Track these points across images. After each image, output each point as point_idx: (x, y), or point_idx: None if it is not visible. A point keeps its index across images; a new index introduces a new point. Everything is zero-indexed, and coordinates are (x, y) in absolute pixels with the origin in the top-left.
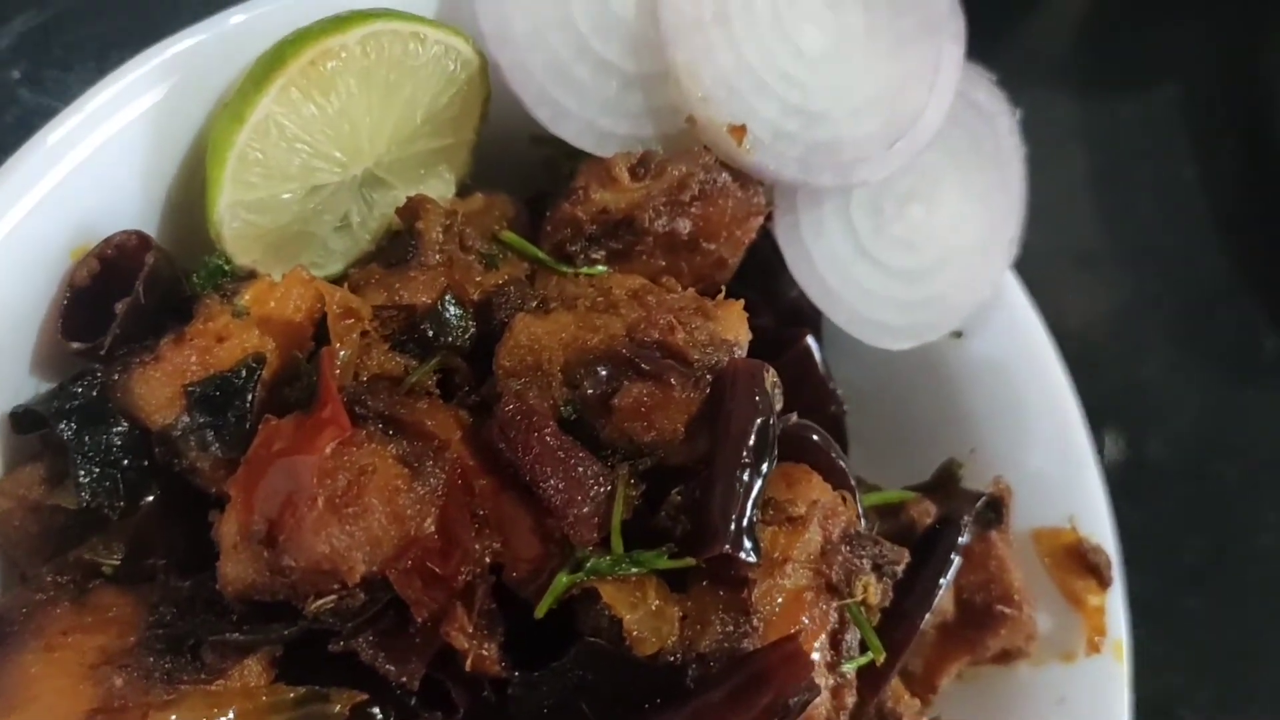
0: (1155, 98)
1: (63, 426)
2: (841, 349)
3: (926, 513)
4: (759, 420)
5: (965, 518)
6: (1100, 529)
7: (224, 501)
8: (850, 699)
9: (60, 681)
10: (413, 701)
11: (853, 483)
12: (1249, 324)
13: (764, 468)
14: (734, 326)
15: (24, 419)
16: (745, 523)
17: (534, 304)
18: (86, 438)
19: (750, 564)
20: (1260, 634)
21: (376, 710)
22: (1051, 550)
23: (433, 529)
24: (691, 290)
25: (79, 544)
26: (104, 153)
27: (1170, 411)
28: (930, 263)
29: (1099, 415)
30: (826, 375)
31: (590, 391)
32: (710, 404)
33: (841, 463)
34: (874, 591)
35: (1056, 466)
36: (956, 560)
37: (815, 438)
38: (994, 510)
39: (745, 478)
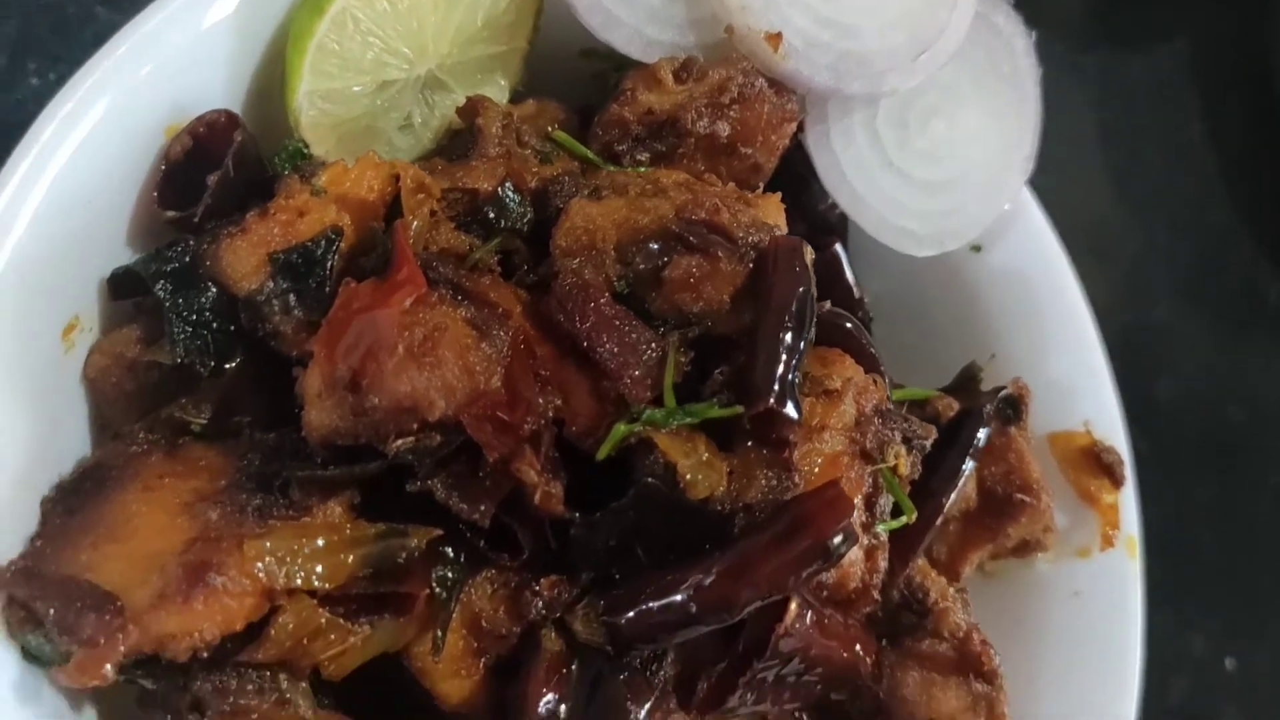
0: (1164, 54)
1: (159, 286)
2: (866, 263)
3: (950, 407)
4: (800, 289)
5: (987, 406)
6: (1113, 432)
7: (306, 360)
8: (883, 562)
9: (159, 517)
10: (481, 544)
11: (883, 368)
12: (1254, 275)
13: (805, 334)
14: (773, 215)
15: (123, 280)
16: (788, 382)
17: (587, 192)
18: (180, 299)
19: (792, 421)
20: (1271, 568)
21: (448, 550)
22: (1066, 453)
23: (499, 385)
24: (732, 184)
25: (168, 403)
26: (196, 40)
27: (1180, 355)
28: (951, 175)
29: (1108, 356)
30: (854, 283)
31: (642, 267)
32: (754, 279)
33: (872, 349)
34: (904, 463)
35: (1071, 373)
36: (980, 443)
37: (848, 325)
38: (1013, 407)
39: (788, 340)
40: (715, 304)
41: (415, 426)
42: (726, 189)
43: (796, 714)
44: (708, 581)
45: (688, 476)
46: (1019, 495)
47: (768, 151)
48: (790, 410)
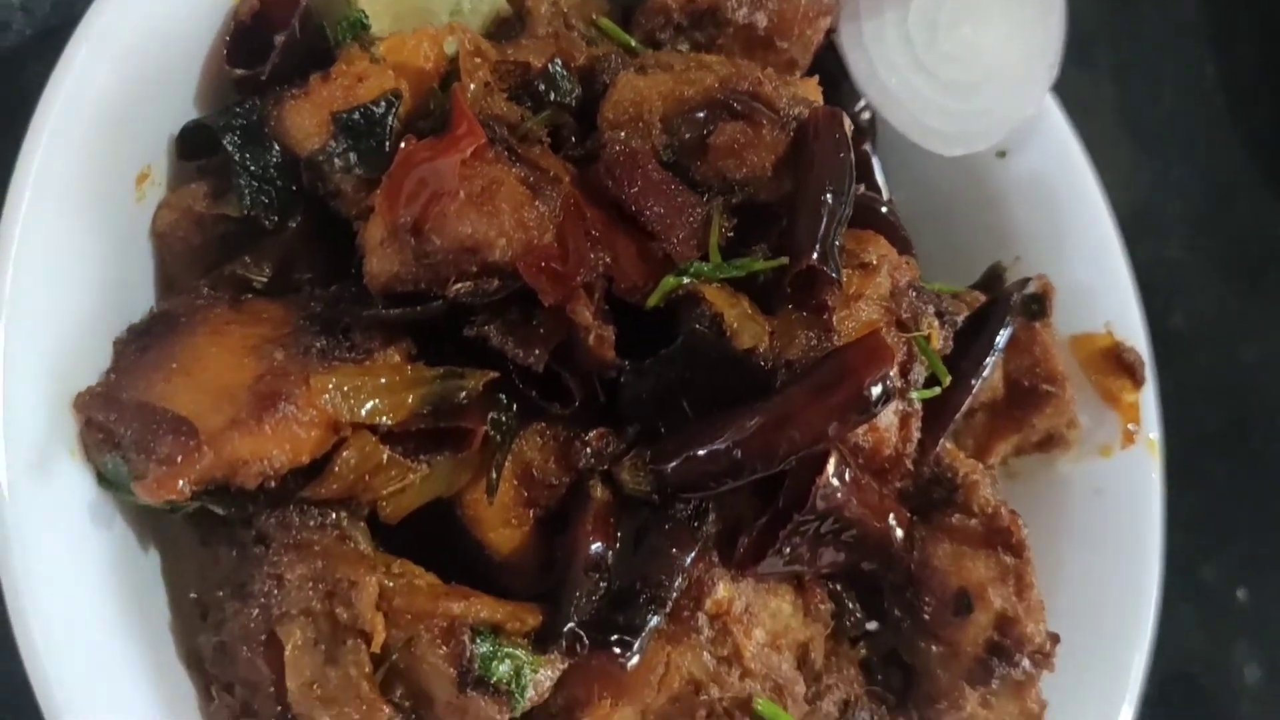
0: None
1: (228, 140)
2: (893, 168)
3: (977, 299)
4: (841, 154)
5: (1014, 295)
6: (1134, 334)
7: (366, 216)
8: (916, 431)
9: (228, 356)
10: (533, 394)
11: (914, 252)
12: (1265, 213)
13: (845, 198)
14: (812, 94)
15: (193, 134)
16: (829, 243)
17: (634, 68)
18: (248, 153)
19: (833, 280)
20: None
21: (502, 397)
22: (1088, 354)
23: (552, 240)
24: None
25: (232, 261)
26: None
27: (1192, 289)
28: (977, 78)
29: None
30: (883, 184)
31: (687, 136)
32: (795, 148)
33: (904, 233)
34: (936, 336)
35: (1094, 277)
36: (1008, 328)
37: (883, 209)
38: (1038, 303)
39: (829, 201)
40: (758, 170)
41: (474, 270)
42: (767, 70)
43: (831, 585)
44: (751, 429)
45: (735, 325)
46: (1044, 386)
47: (803, 47)
48: (831, 269)
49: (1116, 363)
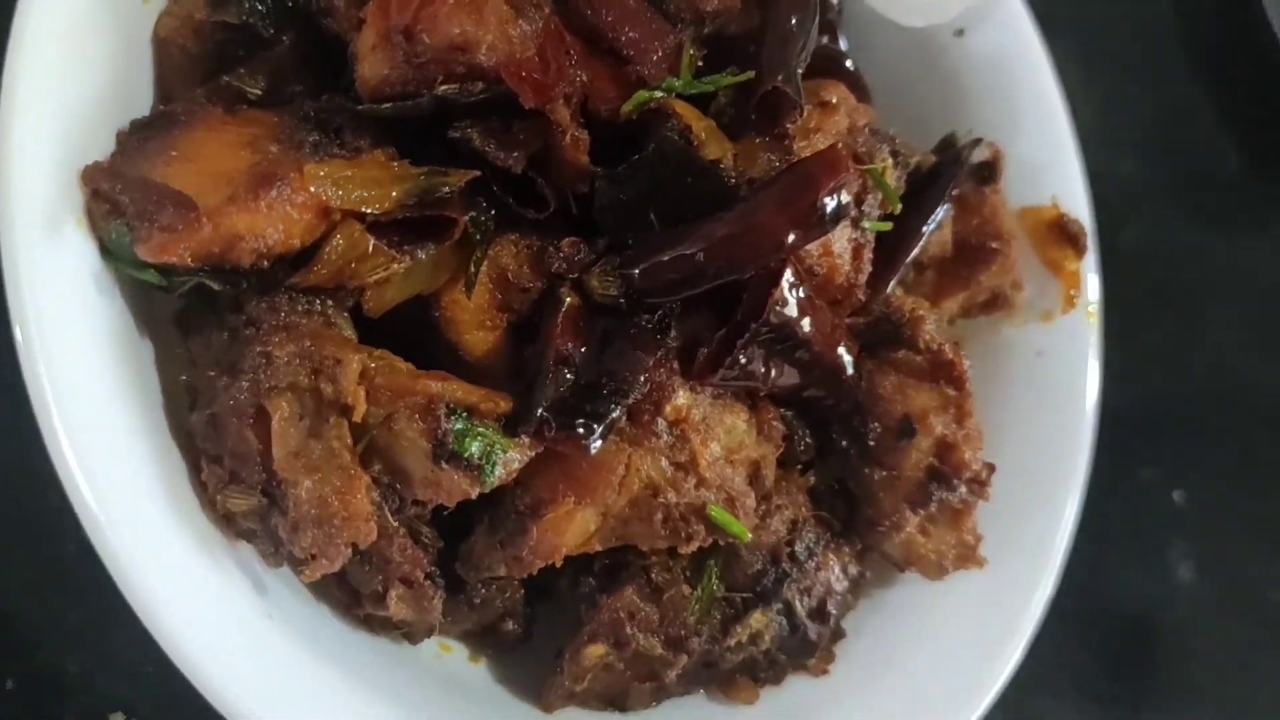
0: None
1: None
2: (859, 47)
3: (929, 159)
4: None
5: (965, 151)
6: (1078, 206)
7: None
8: (867, 262)
9: (225, 149)
10: (510, 201)
11: (871, 100)
12: (1211, 141)
13: (809, 26)
14: None
15: None
16: (792, 68)
17: None
18: None
19: (795, 103)
20: (1223, 408)
21: (481, 200)
22: (1034, 225)
23: (534, 55)
24: None
25: (228, 73)
26: None
27: (1142, 210)
28: None
29: None
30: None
31: None
32: None
33: (864, 82)
34: (890, 172)
35: (1042, 152)
36: (958, 181)
37: (846, 61)
38: (988, 169)
39: (794, 28)
40: (729, 2)
41: (461, 71)
42: None
43: (784, 411)
44: (717, 236)
45: (702, 136)
46: (991, 243)
47: None
48: (794, 92)
49: (1060, 232)
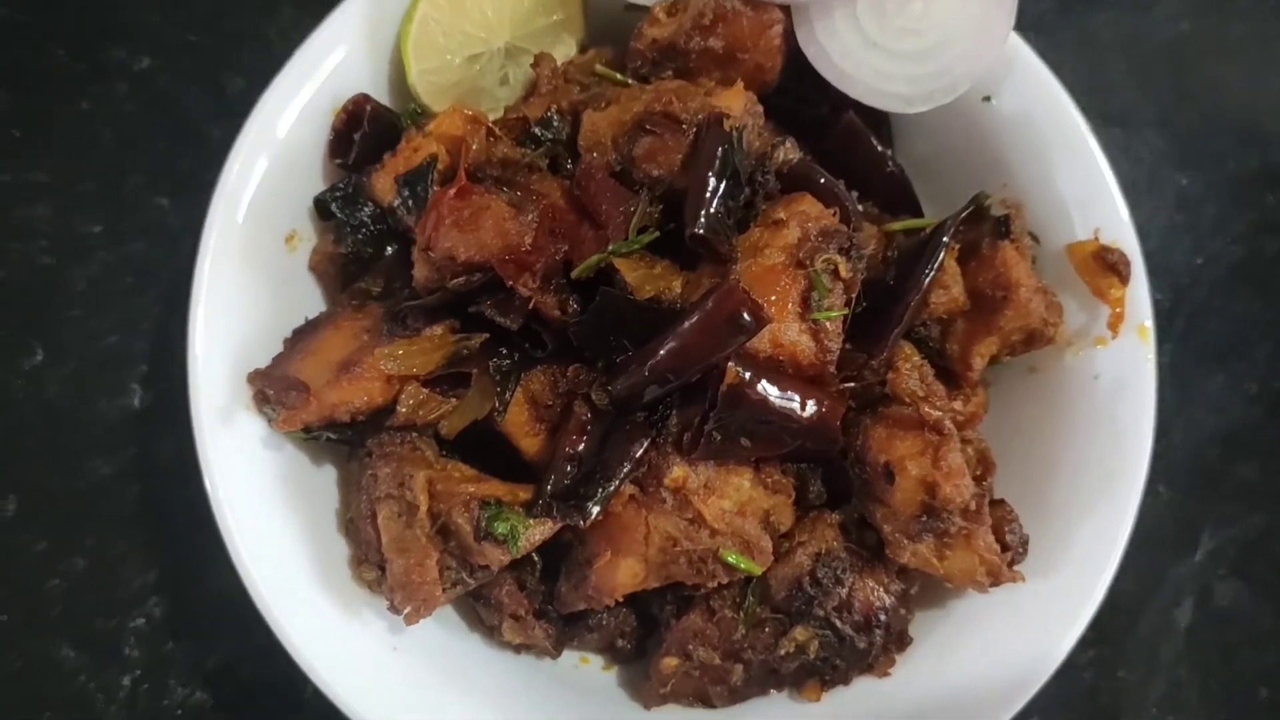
0: None
1: (334, 206)
2: (904, 129)
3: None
4: (721, 147)
5: (948, 222)
6: (1122, 236)
7: None
8: (832, 342)
9: (339, 342)
10: (526, 346)
11: (848, 203)
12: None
13: (726, 175)
14: (728, 100)
15: (317, 205)
16: (713, 214)
17: (603, 104)
18: (349, 212)
19: (718, 245)
20: None
21: (502, 349)
22: (1080, 258)
23: (529, 244)
24: (713, 83)
25: (359, 280)
26: (346, 54)
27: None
28: (934, 43)
29: None
30: (875, 144)
31: (626, 150)
32: (694, 146)
33: (836, 189)
34: (844, 267)
35: (1082, 191)
36: (940, 254)
37: (818, 175)
38: (1005, 224)
39: (711, 183)
40: (669, 168)
41: (461, 269)
42: (701, 86)
43: (797, 465)
44: (661, 354)
45: (630, 281)
46: (999, 293)
47: (764, 53)
48: (716, 237)
49: (1103, 262)
